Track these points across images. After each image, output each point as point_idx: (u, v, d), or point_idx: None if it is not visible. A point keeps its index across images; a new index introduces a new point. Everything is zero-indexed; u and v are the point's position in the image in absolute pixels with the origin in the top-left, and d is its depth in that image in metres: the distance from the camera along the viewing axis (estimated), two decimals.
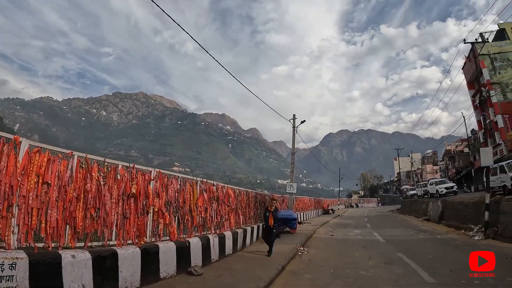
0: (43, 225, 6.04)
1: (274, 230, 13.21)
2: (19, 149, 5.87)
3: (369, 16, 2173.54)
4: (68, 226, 6.50)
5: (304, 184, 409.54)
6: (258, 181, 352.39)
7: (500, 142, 33.11)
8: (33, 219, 5.86)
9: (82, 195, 6.84)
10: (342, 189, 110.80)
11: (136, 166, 8.41)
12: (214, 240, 11.10)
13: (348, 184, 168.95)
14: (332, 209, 49.85)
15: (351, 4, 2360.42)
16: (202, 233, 11.14)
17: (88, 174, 7.04)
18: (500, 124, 33.27)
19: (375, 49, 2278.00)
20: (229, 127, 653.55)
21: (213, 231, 11.87)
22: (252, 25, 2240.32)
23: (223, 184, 13.53)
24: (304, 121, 28.25)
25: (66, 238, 6.45)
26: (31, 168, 5.97)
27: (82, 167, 6.97)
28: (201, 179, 11.70)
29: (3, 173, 5.50)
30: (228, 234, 12.59)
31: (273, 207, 13.34)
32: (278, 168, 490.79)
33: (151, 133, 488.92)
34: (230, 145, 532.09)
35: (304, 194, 46.12)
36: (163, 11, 11.48)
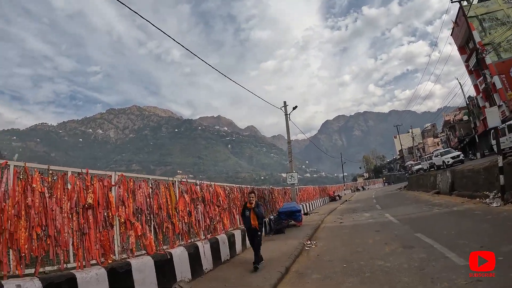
0: None
1: (260, 233, 10.34)
2: None
3: (349, 0, 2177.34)
4: (10, 250, 5.19)
5: (308, 175, 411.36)
6: (262, 177, 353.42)
7: (500, 104, 31.79)
8: None
9: (23, 212, 5.48)
10: (346, 174, 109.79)
11: (90, 171, 6.97)
12: (204, 247, 9.66)
13: (352, 168, 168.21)
14: (338, 195, 48.72)
15: None
16: (189, 240, 9.67)
17: (29, 186, 5.67)
18: (498, 85, 32.03)
19: (359, 31, 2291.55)
20: (226, 128, 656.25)
21: (202, 237, 10.40)
22: (235, 24, 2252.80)
23: (209, 183, 12.00)
24: (296, 107, 26.71)
25: (11, 265, 5.14)
26: None
27: (20, 179, 5.62)
28: (179, 179, 10.23)
29: None
30: (222, 238, 11.16)
31: (253, 203, 10.29)
32: (280, 162, 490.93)
33: (150, 144, 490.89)
34: (229, 145, 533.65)
35: (309, 184, 44.95)
36: (148, 21, 10.83)
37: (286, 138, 26.61)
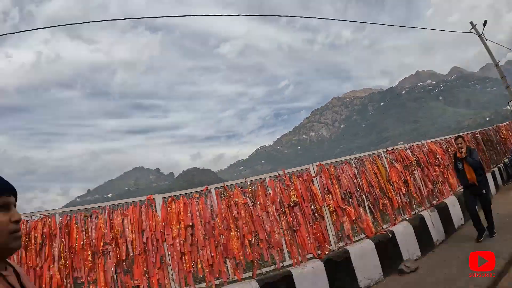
0: (199, 265, 5.96)
1: (484, 191, 7.89)
2: (155, 205, 6.16)
3: None
4: (227, 259, 6.17)
5: None
6: (487, 118, 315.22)
7: None
8: (186, 262, 5.91)
9: (232, 225, 6.36)
10: None
11: (286, 170, 7.21)
12: (430, 216, 8.56)
13: None
14: None
15: None
16: (412, 212, 8.71)
17: (232, 202, 6.42)
18: None
19: None
20: (429, 81, 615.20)
21: (427, 205, 9.23)
22: None
23: (419, 143, 10.87)
24: (486, 21, 21.90)
25: (230, 272, 6.10)
26: (171, 217, 6.10)
27: (222, 197, 6.43)
28: (384, 149, 9.39)
29: (147, 231, 5.86)
30: (451, 201, 9.74)
31: (463, 150, 7.99)
32: (501, 94, 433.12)
33: (362, 127, 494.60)
34: (440, 97, 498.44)
35: None
36: (308, 17, 10.75)
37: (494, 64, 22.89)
